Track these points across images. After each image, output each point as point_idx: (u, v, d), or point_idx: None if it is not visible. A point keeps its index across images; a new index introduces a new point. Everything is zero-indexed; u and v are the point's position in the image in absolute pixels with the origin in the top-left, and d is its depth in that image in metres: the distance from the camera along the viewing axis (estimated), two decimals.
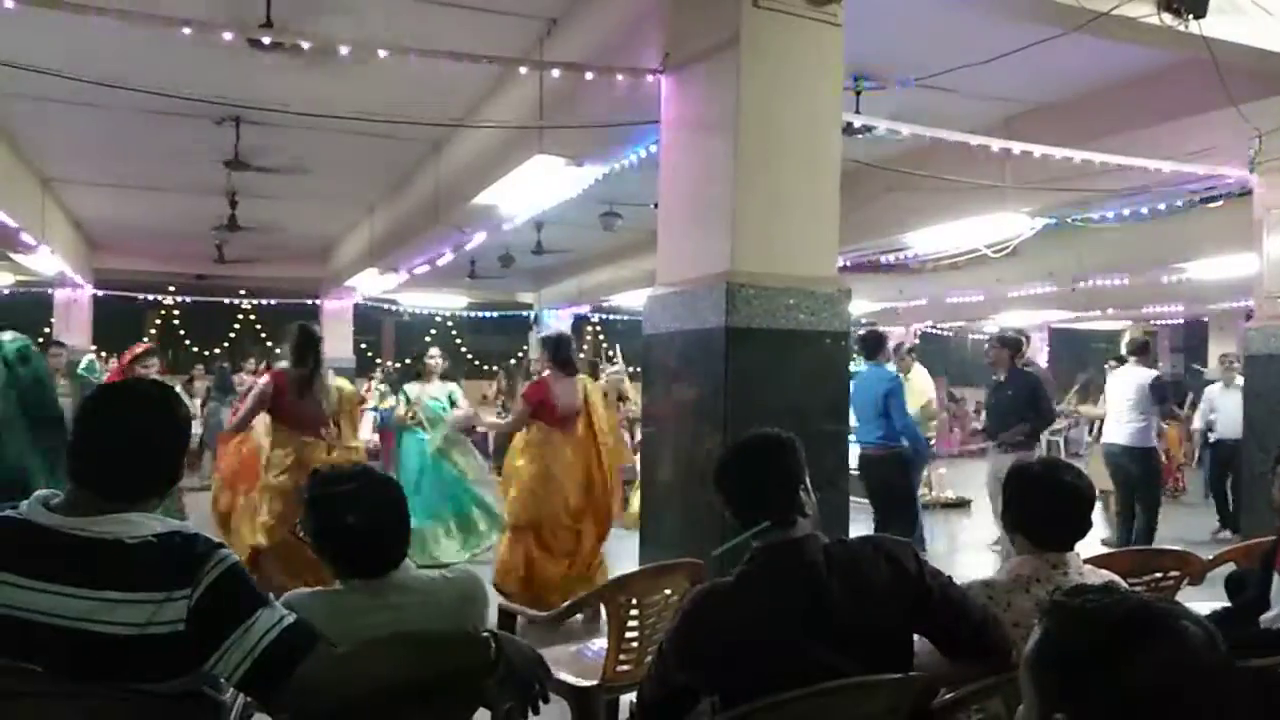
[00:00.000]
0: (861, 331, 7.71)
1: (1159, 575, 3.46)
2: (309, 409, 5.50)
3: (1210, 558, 3.81)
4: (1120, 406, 7.61)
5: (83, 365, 9.14)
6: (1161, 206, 8.79)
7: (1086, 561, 2.54)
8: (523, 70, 6.17)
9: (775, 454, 2.26)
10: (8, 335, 4.67)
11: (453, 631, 2.04)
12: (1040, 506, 2.45)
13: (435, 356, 8.22)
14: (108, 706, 1.74)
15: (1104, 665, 1.09)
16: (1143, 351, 7.92)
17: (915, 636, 2.25)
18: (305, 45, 5.40)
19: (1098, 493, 2.75)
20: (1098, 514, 6.21)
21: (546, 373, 6.05)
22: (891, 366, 7.60)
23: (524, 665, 1.98)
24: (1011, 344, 7.16)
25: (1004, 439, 6.78)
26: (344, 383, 6.07)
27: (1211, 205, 8.93)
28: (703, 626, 2.17)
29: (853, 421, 9.32)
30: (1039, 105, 7.40)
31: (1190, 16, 4.71)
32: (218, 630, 1.76)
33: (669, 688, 2.22)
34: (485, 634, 1.99)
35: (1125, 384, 7.64)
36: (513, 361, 17.99)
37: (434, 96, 6.96)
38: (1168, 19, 4.72)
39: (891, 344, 8.31)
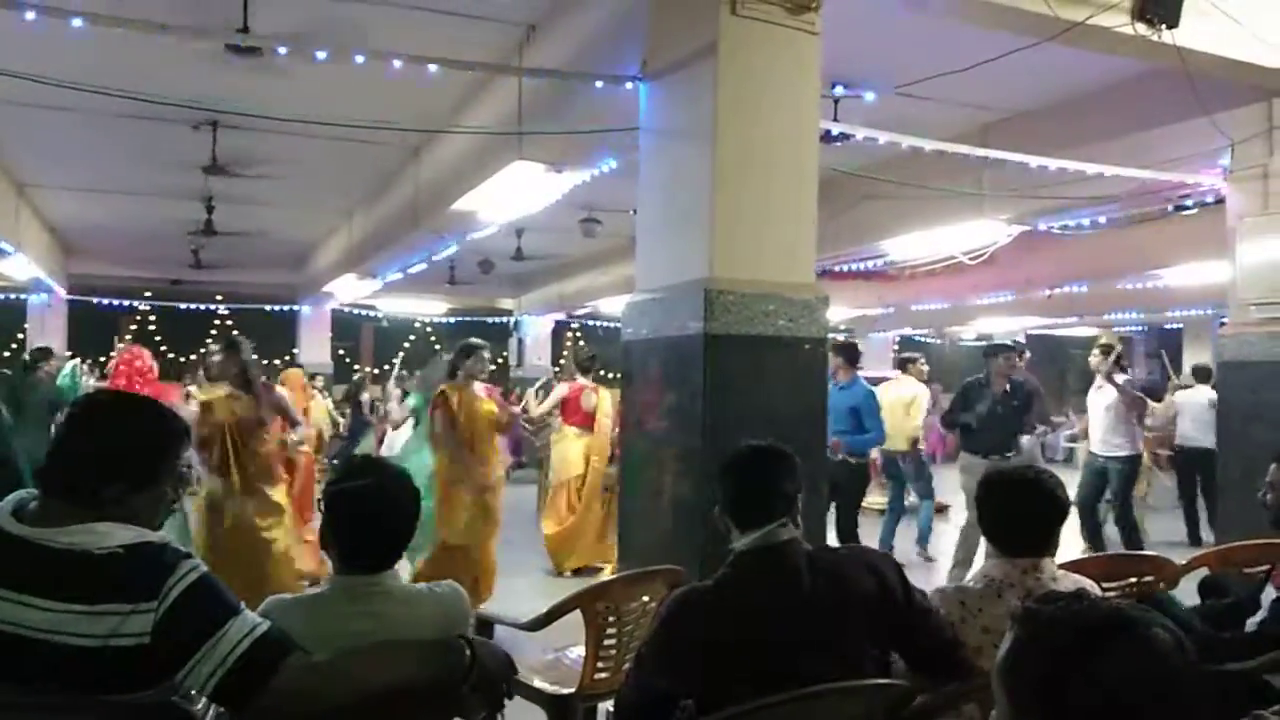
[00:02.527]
0: (838, 341, 7.70)
1: (1134, 580, 3.49)
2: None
3: (1184, 562, 3.84)
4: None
5: (64, 374, 8.75)
6: (1136, 214, 8.89)
7: (1061, 566, 2.54)
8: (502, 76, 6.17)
9: (778, 462, 2.32)
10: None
11: (428, 640, 2.02)
12: (1012, 513, 2.45)
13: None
14: (74, 718, 1.71)
15: (1074, 671, 1.10)
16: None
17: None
18: (283, 50, 5.38)
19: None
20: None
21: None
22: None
23: (496, 669, 1.98)
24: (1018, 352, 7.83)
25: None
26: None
27: (1186, 213, 9.03)
28: (682, 631, 2.17)
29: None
30: (1015, 113, 7.45)
31: (1163, 27, 4.75)
32: (186, 642, 1.73)
33: (648, 693, 2.22)
34: (460, 640, 1.98)
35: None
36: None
37: (413, 102, 6.93)
38: (1141, 29, 4.75)
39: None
